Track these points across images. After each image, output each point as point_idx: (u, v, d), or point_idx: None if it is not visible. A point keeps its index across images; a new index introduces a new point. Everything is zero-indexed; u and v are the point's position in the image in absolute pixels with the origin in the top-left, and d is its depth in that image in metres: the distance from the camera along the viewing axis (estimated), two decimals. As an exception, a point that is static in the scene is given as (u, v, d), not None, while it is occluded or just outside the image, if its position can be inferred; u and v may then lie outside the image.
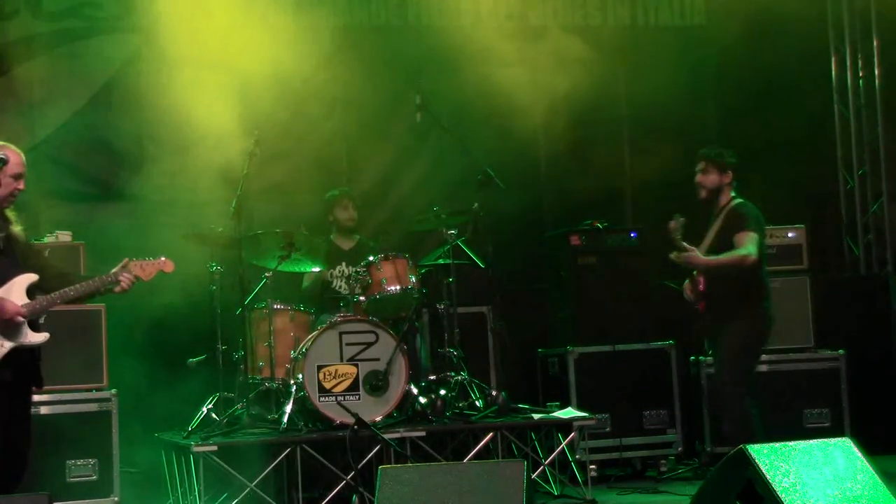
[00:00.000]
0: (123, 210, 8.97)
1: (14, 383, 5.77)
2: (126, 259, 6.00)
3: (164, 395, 8.22)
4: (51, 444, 7.19)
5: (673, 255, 7.25)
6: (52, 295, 5.85)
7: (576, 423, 7.70)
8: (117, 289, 5.94)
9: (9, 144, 5.85)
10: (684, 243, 7.21)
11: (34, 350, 5.84)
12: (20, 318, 5.70)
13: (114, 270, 5.95)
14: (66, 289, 5.86)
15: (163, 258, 6.04)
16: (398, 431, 7.31)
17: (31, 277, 5.80)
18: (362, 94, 9.02)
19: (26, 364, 5.81)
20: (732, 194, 7.44)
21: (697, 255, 7.22)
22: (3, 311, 5.67)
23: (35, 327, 5.82)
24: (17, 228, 5.88)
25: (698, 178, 7.47)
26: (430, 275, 8.26)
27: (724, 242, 7.27)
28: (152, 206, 8.83)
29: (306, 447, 7.13)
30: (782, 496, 5.06)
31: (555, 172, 9.92)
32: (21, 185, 5.86)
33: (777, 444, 5.34)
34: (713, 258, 7.24)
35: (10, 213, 5.87)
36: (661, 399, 8.58)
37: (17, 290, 5.75)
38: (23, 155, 5.90)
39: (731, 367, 7.19)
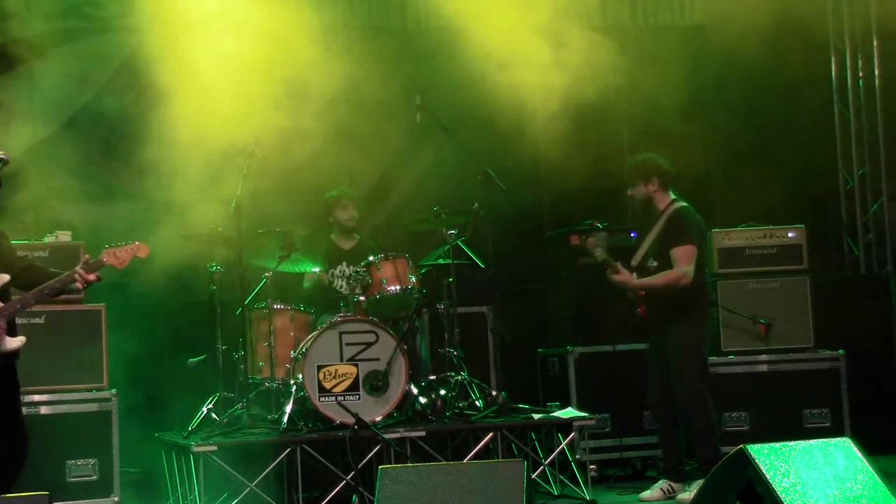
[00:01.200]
0: (123, 210, 8.97)
1: None
2: (86, 255, 5.92)
3: (164, 396, 8.22)
4: (51, 444, 7.18)
5: (608, 275, 7.28)
6: (29, 296, 5.75)
7: (576, 423, 7.70)
8: (76, 286, 5.84)
9: None
10: (617, 264, 7.25)
11: (12, 352, 5.77)
12: (2, 324, 5.63)
13: (77, 267, 5.87)
14: (41, 287, 5.76)
15: (136, 243, 5.96)
16: (398, 431, 7.31)
17: (2, 278, 5.70)
18: (362, 94, 9.01)
19: (4, 367, 5.75)
20: (673, 196, 7.43)
21: (629, 277, 7.25)
22: None
23: (11, 331, 5.73)
24: None
25: (628, 192, 7.51)
26: (430, 275, 8.26)
27: (664, 250, 7.28)
28: (152, 206, 8.80)
29: (306, 447, 7.13)
30: (782, 496, 5.05)
31: (555, 172, 9.89)
32: None
33: (777, 444, 5.34)
34: (647, 280, 7.31)
35: None
36: (660, 399, 8.57)
37: None
38: None
39: (688, 376, 7.23)
